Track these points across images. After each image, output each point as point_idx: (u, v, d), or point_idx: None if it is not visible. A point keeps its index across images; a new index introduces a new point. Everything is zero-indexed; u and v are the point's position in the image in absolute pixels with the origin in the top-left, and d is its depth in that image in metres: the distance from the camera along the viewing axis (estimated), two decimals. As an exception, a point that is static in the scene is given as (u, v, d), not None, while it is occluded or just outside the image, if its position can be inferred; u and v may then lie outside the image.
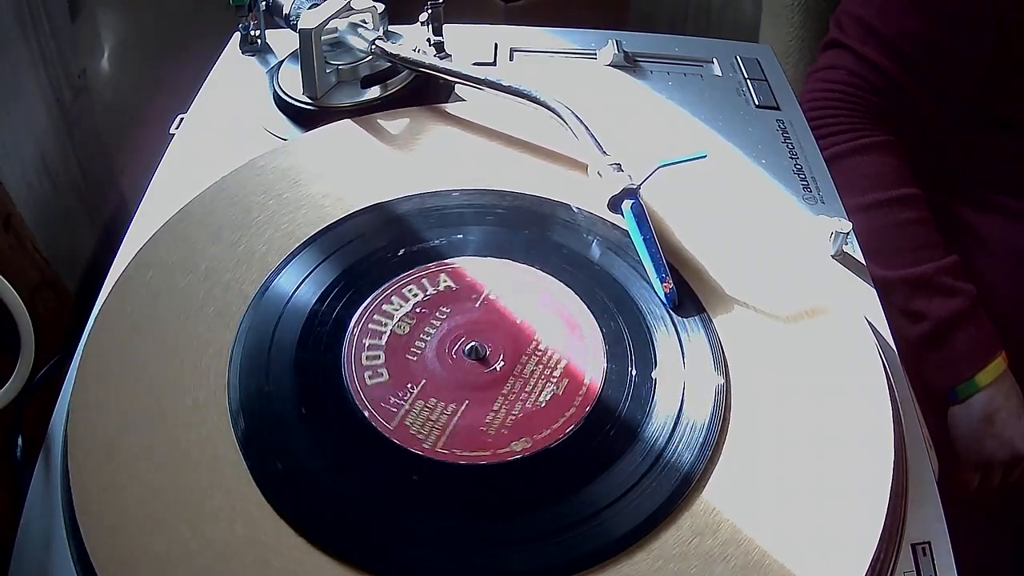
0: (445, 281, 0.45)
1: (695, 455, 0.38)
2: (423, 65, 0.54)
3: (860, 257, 0.50)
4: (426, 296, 0.44)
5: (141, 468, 0.36)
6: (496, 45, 0.64)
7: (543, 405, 0.40)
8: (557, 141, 0.52)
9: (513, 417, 0.39)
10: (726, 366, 0.41)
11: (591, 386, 0.40)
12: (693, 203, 0.49)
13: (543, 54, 0.64)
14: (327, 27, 0.54)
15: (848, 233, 0.49)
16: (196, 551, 0.34)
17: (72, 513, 0.36)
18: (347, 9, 0.55)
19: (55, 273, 0.58)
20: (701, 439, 0.38)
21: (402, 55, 0.54)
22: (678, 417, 0.39)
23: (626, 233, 0.46)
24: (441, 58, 0.56)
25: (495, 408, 0.40)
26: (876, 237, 0.71)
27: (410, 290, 0.44)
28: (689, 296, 0.44)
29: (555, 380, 0.41)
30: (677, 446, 0.38)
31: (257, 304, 0.43)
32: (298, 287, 0.44)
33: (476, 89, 0.54)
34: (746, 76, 0.62)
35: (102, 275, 0.47)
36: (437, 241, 0.46)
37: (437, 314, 0.43)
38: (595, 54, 0.64)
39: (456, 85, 0.58)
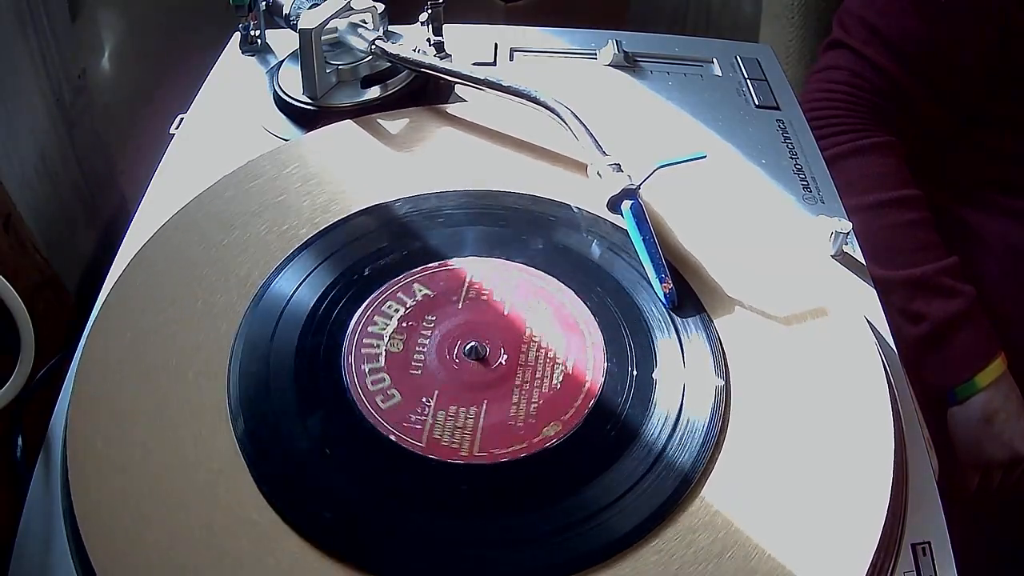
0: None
1: (695, 455, 0.38)
2: (423, 65, 0.54)
3: (860, 257, 0.50)
4: (423, 297, 0.44)
5: (141, 468, 0.36)
6: (496, 45, 0.64)
7: (559, 387, 0.40)
8: (557, 141, 0.52)
9: (535, 404, 0.39)
10: (726, 366, 0.41)
11: (591, 386, 0.40)
12: (693, 203, 0.49)
13: (543, 54, 0.64)
14: (327, 27, 0.54)
15: (848, 233, 0.49)
16: (196, 551, 0.34)
17: (72, 513, 0.36)
18: (347, 9, 0.55)
19: (55, 273, 0.58)
20: (701, 439, 0.38)
21: (402, 55, 0.54)
22: (678, 417, 0.39)
23: (626, 233, 0.46)
24: (441, 58, 0.56)
25: (515, 400, 0.40)
26: (876, 238, 0.71)
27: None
28: (689, 296, 0.44)
29: (555, 379, 0.41)
30: (677, 446, 0.38)
31: (257, 304, 0.43)
32: (298, 287, 0.44)
33: (476, 89, 0.54)
34: (746, 76, 0.62)
35: (102, 275, 0.47)
36: (436, 241, 0.46)
37: (435, 316, 0.43)
38: (595, 54, 0.64)
39: (456, 85, 0.58)
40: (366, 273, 0.45)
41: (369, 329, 0.42)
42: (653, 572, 0.34)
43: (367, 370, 0.41)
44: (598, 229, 0.47)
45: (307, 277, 0.44)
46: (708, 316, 0.43)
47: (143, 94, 0.77)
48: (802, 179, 0.54)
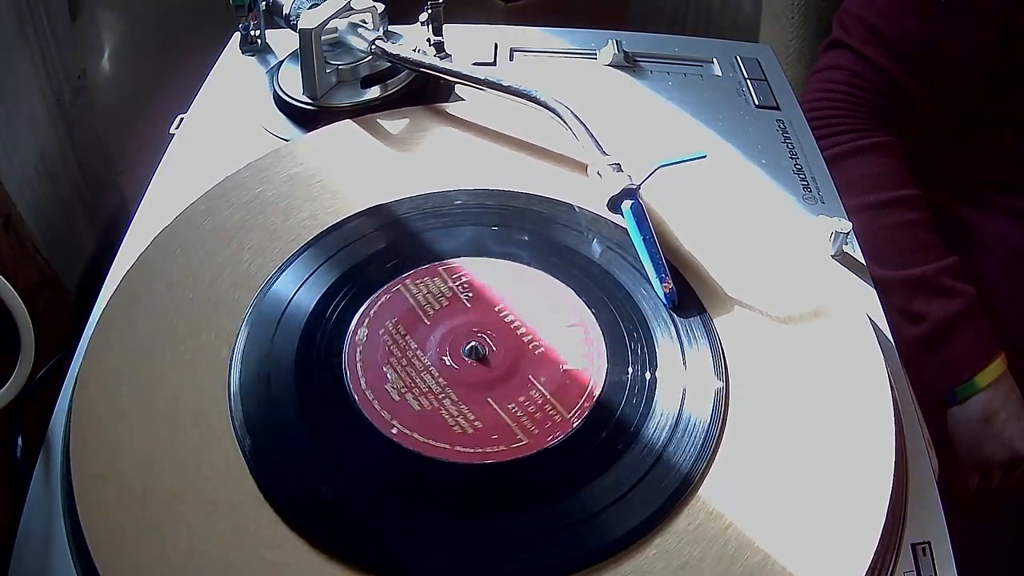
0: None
1: (695, 455, 0.38)
2: (423, 65, 0.54)
3: (860, 257, 0.50)
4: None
5: (141, 468, 0.37)
6: (496, 45, 0.64)
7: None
8: (557, 141, 0.52)
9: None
10: (726, 366, 0.41)
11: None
12: (693, 203, 0.49)
13: (543, 54, 0.64)
14: (327, 27, 0.54)
15: (848, 233, 0.49)
16: (197, 551, 0.34)
17: (72, 513, 0.36)
18: (347, 9, 0.55)
19: (55, 273, 0.58)
20: (701, 439, 0.38)
21: (402, 55, 0.54)
22: (678, 417, 0.39)
23: (627, 233, 0.46)
24: (441, 58, 0.56)
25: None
26: (876, 238, 0.71)
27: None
28: (689, 296, 0.44)
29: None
30: (677, 446, 0.38)
31: (259, 305, 0.43)
32: (299, 288, 0.44)
33: (476, 89, 0.54)
34: (746, 76, 0.62)
35: (102, 275, 0.47)
36: (436, 241, 0.46)
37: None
38: (595, 54, 0.64)
39: (456, 85, 0.58)
40: (367, 273, 0.45)
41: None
42: (653, 572, 0.34)
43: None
44: (598, 229, 0.47)
45: (308, 277, 0.44)
46: (708, 316, 0.43)
47: (143, 94, 0.77)
48: (802, 179, 0.54)
